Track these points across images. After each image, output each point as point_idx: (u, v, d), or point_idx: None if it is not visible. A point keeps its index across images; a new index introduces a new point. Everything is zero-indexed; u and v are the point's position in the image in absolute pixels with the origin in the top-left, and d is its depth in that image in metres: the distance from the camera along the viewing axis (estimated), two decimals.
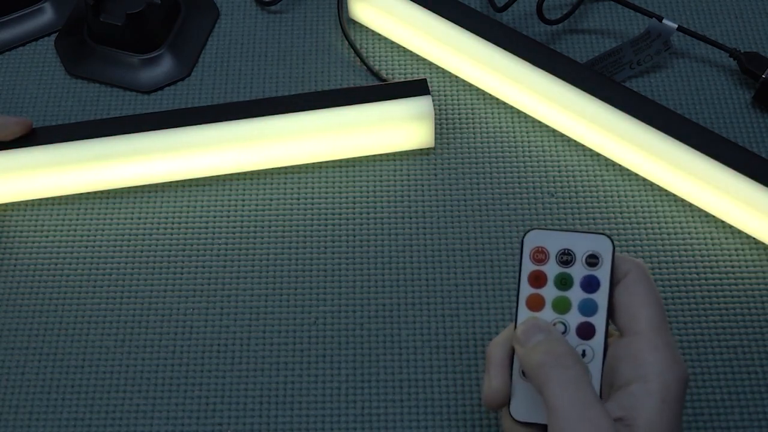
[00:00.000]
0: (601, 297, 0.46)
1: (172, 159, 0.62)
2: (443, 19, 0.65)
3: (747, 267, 0.60)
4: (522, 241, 0.47)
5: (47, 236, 0.62)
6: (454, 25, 0.65)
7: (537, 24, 0.70)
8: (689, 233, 0.61)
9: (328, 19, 0.71)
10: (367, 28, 0.70)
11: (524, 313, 0.47)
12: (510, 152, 0.64)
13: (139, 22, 0.67)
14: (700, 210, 0.62)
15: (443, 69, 0.68)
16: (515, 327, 0.47)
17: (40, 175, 0.61)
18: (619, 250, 0.60)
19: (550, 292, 0.47)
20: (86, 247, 0.61)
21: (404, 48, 0.69)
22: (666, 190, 0.62)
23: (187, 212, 0.63)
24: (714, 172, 0.59)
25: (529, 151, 0.64)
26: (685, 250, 0.60)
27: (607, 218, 0.62)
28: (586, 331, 0.46)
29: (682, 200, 0.62)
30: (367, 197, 0.63)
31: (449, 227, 0.61)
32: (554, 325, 0.46)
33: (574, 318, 0.46)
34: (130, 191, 0.63)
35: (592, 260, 0.46)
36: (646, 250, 0.60)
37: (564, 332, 0.46)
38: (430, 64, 0.68)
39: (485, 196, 0.63)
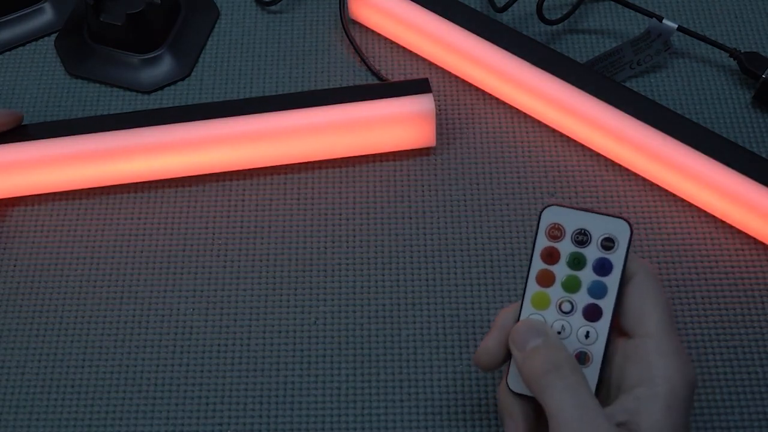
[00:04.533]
0: (612, 281, 0.46)
1: (171, 155, 0.61)
2: (443, 19, 0.65)
3: (747, 267, 0.60)
4: (540, 215, 0.47)
5: (47, 236, 0.62)
6: (454, 25, 0.65)
7: (537, 24, 0.70)
8: (689, 233, 0.61)
9: (328, 19, 0.71)
10: (367, 28, 0.70)
11: (533, 287, 0.46)
12: (510, 152, 0.64)
13: (139, 22, 0.67)
14: (700, 210, 0.62)
15: (443, 69, 0.68)
16: (521, 302, 0.46)
17: (37, 170, 0.61)
18: None
19: (561, 270, 0.46)
20: (86, 247, 0.61)
21: (404, 48, 0.69)
22: (666, 190, 0.62)
23: (187, 212, 0.63)
24: (714, 172, 0.59)
25: (530, 151, 0.64)
26: (685, 250, 0.60)
27: None
28: (592, 313, 0.46)
29: (682, 200, 0.62)
30: (368, 197, 0.63)
31: (449, 227, 0.61)
32: (561, 304, 0.46)
33: (582, 298, 0.46)
34: (130, 191, 0.63)
35: (608, 243, 0.46)
36: (646, 250, 0.60)
37: (570, 311, 0.46)
38: (430, 64, 0.68)
39: (485, 196, 0.63)
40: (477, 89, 0.67)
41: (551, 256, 0.46)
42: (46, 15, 0.71)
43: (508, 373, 0.47)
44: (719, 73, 0.68)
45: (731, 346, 0.57)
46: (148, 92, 0.68)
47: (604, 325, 0.46)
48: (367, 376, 0.56)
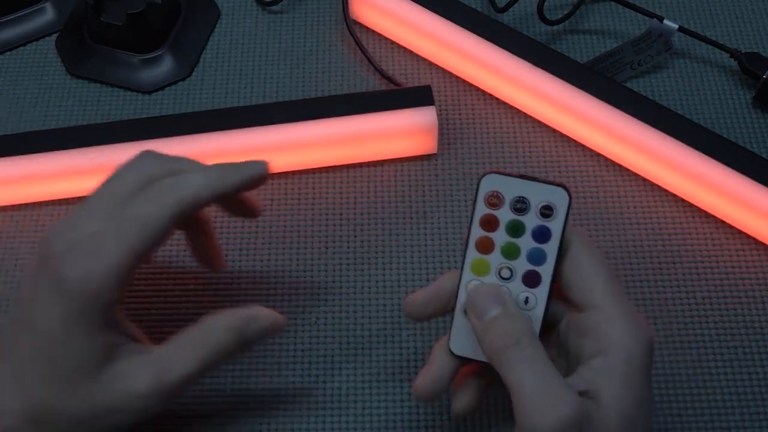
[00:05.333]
0: (550, 248, 0.46)
1: None
2: (444, 19, 0.65)
3: (747, 267, 0.60)
4: (479, 182, 0.47)
5: None
6: (455, 25, 0.65)
7: (538, 24, 0.70)
8: (689, 233, 0.61)
9: (329, 19, 0.71)
10: (367, 28, 0.70)
11: (473, 254, 0.47)
12: (511, 152, 0.64)
13: (139, 22, 0.67)
14: (700, 210, 0.62)
15: (443, 69, 0.68)
16: (461, 268, 0.47)
17: (40, 183, 0.61)
18: (619, 250, 0.60)
19: (500, 236, 0.47)
20: None
21: (404, 48, 0.69)
22: (666, 190, 0.62)
23: None
24: (714, 172, 0.59)
25: (530, 152, 0.64)
26: (686, 251, 0.60)
27: (608, 218, 0.62)
28: (531, 280, 0.46)
29: (682, 200, 0.62)
30: (368, 197, 0.63)
31: (450, 227, 0.61)
32: (500, 270, 0.47)
33: (521, 265, 0.46)
34: None
35: (547, 211, 0.46)
36: (647, 250, 0.60)
37: (510, 277, 0.46)
38: (431, 64, 0.68)
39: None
40: (477, 89, 0.67)
41: (490, 223, 0.47)
42: (47, 15, 0.71)
43: (450, 336, 0.47)
44: (720, 73, 0.68)
45: (731, 346, 0.57)
46: (149, 92, 0.68)
47: (543, 291, 0.46)
48: (368, 376, 0.56)
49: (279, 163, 0.63)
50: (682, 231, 0.61)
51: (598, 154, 0.64)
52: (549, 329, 0.48)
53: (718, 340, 0.57)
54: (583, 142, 0.64)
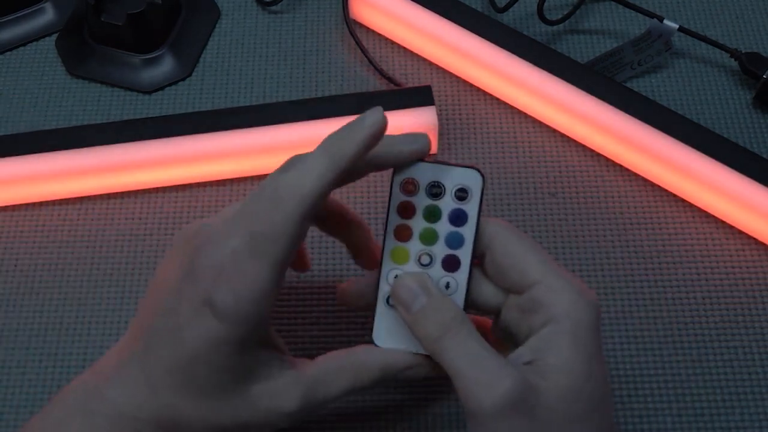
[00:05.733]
0: (468, 231, 0.46)
1: (174, 168, 0.62)
2: (444, 19, 0.65)
3: (747, 267, 0.60)
4: (393, 171, 0.47)
5: (48, 236, 0.62)
6: (455, 25, 0.65)
7: (538, 24, 0.70)
8: (689, 233, 0.61)
9: (329, 19, 0.71)
10: (367, 28, 0.70)
11: (391, 243, 0.47)
12: (511, 152, 0.64)
13: (139, 22, 0.67)
14: (700, 210, 0.62)
15: (443, 69, 0.68)
16: (381, 258, 0.47)
17: (39, 183, 0.61)
18: (619, 250, 0.60)
19: (418, 223, 0.47)
20: (87, 247, 0.61)
21: (404, 48, 0.69)
22: (666, 190, 0.62)
23: (188, 213, 0.63)
24: (714, 172, 0.59)
25: (530, 151, 0.64)
26: (686, 251, 0.60)
27: (608, 218, 0.62)
28: (451, 264, 0.46)
29: (682, 200, 0.62)
30: (368, 197, 0.63)
31: None
32: (420, 257, 0.47)
33: (440, 250, 0.47)
34: (131, 192, 0.63)
35: (461, 194, 0.46)
36: (647, 250, 0.60)
37: (429, 263, 0.47)
38: (430, 64, 0.68)
39: (485, 195, 0.63)
40: (477, 89, 0.67)
41: (407, 210, 0.47)
42: (47, 15, 0.71)
43: (373, 329, 0.47)
44: (720, 73, 0.68)
45: (731, 346, 0.57)
46: (149, 92, 0.68)
47: (463, 274, 0.46)
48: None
49: (279, 163, 0.63)
50: (682, 231, 0.61)
51: (598, 154, 0.64)
52: (493, 319, 0.48)
53: (718, 340, 0.57)
54: (583, 142, 0.64)
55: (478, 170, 0.46)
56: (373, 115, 0.44)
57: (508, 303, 0.46)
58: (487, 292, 0.47)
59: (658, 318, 0.58)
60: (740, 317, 0.58)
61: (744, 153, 0.60)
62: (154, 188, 0.63)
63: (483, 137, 0.65)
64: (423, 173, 0.46)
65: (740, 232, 0.61)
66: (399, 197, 0.47)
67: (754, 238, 0.60)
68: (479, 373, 0.42)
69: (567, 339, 0.43)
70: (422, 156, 0.46)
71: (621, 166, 0.63)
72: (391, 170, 0.47)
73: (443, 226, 0.47)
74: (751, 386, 0.56)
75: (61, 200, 0.63)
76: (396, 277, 0.47)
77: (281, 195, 0.43)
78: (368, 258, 0.51)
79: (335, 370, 0.47)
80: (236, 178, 0.63)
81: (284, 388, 0.45)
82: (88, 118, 0.67)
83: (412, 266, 0.47)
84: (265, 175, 0.63)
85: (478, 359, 0.42)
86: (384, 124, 0.44)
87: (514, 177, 0.63)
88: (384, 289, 0.47)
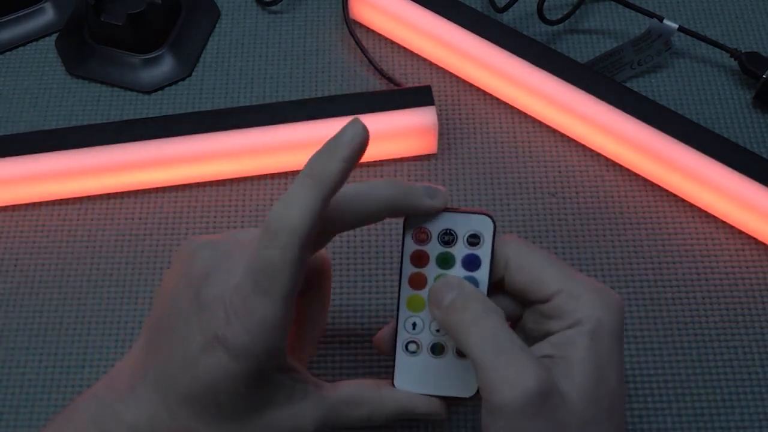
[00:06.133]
0: (481, 274, 0.46)
1: (174, 168, 0.62)
2: (444, 19, 0.65)
3: (747, 267, 0.60)
4: (404, 222, 0.47)
5: (48, 236, 0.62)
6: (455, 25, 0.65)
7: (538, 24, 0.70)
8: (689, 233, 0.61)
9: (329, 19, 0.71)
10: (367, 28, 0.70)
11: (407, 291, 0.47)
12: (510, 152, 0.64)
13: (139, 22, 0.67)
14: (700, 210, 0.62)
15: (443, 69, 0.68)
16: (398, 306, 0.47)
17: (39, 183, 0.61)
18: (619, 250, 0.60)
19: (432, 270, 0.47)
20: (86, 247, 0.61)
21: (404, 48, 0.69)
22: (666, 190, 0.62)
23: (188, 213, 0.63)
24: (714, 172, 0.59)
25: (530, 151, 0.64)
26: (686, 251, 0.60)
27: (608, 218, 0.62)
28: None
29: (683, 200, 0.62)
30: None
31: None
32: None
33: None
34: (131, 192, 0.63)
35: (473, 240, 0.47)
36: (647, 250, 0.60)
37: None
38: (430, 64, 0.68)
39: (486, 195, 0.63)
40: (477, 89, 0.67)
41: (420, 259, 0.47)
42: (47, 15, 0.71)
43: (394, 374, 0.48)
44: (720, 73, 0.68)
45: (731, 346, 0.57)
46: (149, 92, 0.68)
47: None
48: (368, 376, 0.56)
49: (279, 163, 0.63)
50: (682, 231, 0.61)
51: (598, 154, 0.64)
52: (512, 326, 0.48)
53: (718, 340, 0.57)
54: (583, 142, 0.64)
55: (489, 215, 0.46)
56: (352, 128, 0.43)
57: (529, 311, 0.47)
58: (507, 307, 0.47)
59: (658, 318, 0.58)
60: (740, 317, 0.58)
61: (744, 153, 0.60)
62: (154, 188, 0.63)
63: (483, 137, 0.65)
64: (434, 222, 0.47)
65: (740, 232, 0.61)
66: (412, 246, 0.47)
67: (754, 238, 0.60)
68: (506, 367, 0.41)
69: (588, 337, 0.43)
70: (439, 211, 0.47)
71: (621, 166, 0.63)
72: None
73: (457, 272, 0.47)
74: (751, 386, 0.56)
75: (61, 200, 0.63)
76: (414, 325, 0.47)
77: (273, 229, 0.42)
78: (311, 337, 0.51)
79: (357, 399, 0.47)
80: (236, 178, 0.63)
81: (303, 411, 0.45)
82: (88, 118, 0.67)
83: (428, 313, 0.47)
84: (265, 175, 0.63)
85: (504, 349, 0.42)
86: (365, 136, 0.43)
87: (514, 177, 0.63)
88: (402, 336, 0.48)
